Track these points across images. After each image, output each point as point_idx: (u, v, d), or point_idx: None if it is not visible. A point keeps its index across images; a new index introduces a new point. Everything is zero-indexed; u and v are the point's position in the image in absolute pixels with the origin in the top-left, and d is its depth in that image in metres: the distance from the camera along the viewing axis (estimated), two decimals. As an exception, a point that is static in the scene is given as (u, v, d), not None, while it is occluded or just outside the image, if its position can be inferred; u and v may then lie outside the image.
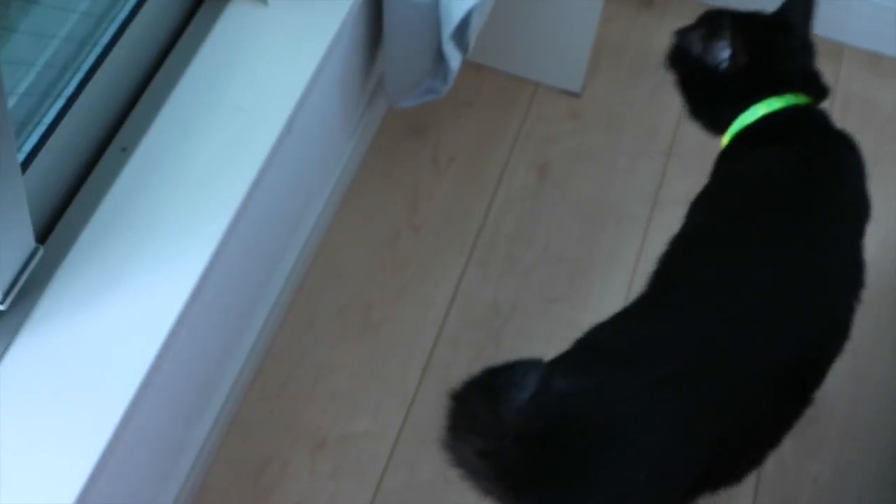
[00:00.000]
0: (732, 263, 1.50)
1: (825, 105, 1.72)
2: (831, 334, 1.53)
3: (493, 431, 1.32)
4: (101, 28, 1.41)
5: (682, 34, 1.77)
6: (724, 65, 1.69)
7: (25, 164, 1.27)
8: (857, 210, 1.63)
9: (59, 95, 1.34)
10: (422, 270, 2.05)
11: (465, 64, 2.01)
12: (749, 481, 1.89)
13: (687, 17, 2.47)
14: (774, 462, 1.91)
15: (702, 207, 1.64)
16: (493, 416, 1.31)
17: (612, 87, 2.37)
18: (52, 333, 1.26)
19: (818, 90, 1.70)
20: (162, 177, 1.39)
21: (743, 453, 1.49)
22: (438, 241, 2.10)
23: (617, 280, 2.09)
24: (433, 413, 1.90)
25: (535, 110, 2.31)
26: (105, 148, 1.40)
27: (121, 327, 1.28)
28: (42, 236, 1.32)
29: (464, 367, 1.93)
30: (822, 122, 1.69)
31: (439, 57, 1.89)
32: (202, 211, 1.38)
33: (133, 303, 1.30)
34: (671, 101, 2.33)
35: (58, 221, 1.34)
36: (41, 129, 1.31)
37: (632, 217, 2.18)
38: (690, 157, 2.17)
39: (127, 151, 1.40)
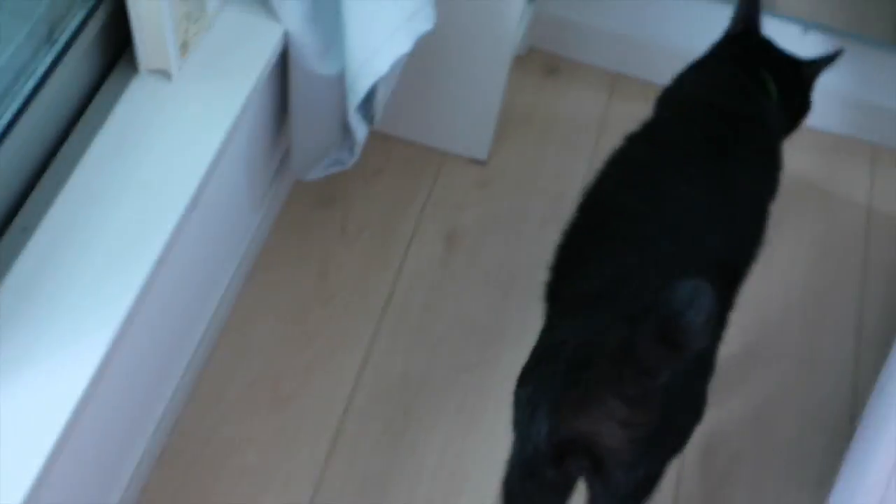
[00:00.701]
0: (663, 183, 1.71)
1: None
2: (748, 242, 1.72)
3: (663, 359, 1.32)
4: (3, 105, 1.39)
5: None
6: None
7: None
8: (767, 158, 1.85)
9: (-43, 176, 1.32)
10: (331, 343, 2.04)
11: (373, 134, 2.01)
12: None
13: (592, 85, 2.53)
14: (686, 528, 1.93)
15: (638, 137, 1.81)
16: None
17: (519, 154, 2.39)
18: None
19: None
20: (63, 258, 1.38)
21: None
22: (348, 312, 2.09)
23: (527, 347, 2.09)
24: (342, 487, 1.89)
25: (442, 179, 2.32)
26: (5, 229, 1.38)
27: (17, 417, 1.25)
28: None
29: (373, 440, 1.93)
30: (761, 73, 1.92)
31: (346, 129, 1.90)
32: (105, 292, 1.36)
33: (31, 390, 1.27)
34: (577, 168, 2.37)
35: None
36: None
37: (540, 284, 2.18)
38: (597, 224, 2.19)
39: (27, 232, 1.38)
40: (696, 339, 1.28)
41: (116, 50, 1.59)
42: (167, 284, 1.61)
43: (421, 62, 2.10)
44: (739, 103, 1.88)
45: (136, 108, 1.56)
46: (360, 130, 1.89)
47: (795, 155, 2.43)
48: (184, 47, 1.59)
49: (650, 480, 1.54)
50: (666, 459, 1.54)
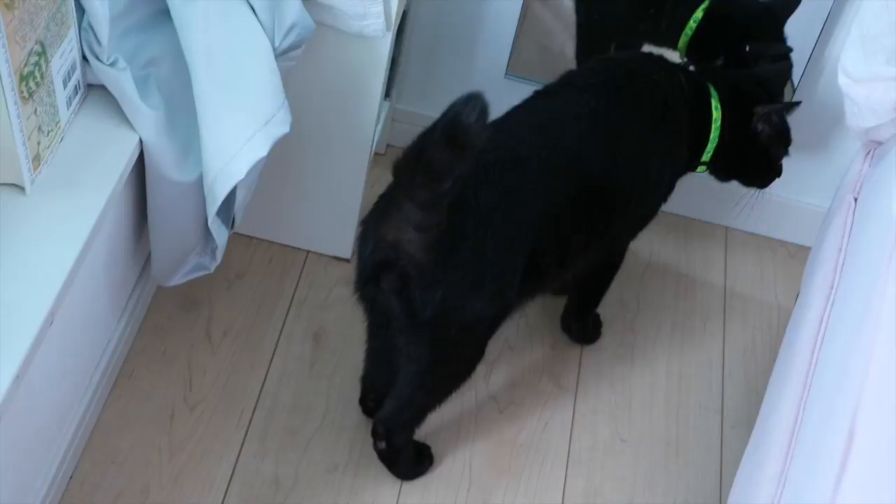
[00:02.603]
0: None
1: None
2: (621, 175, 1.94)
3: (441, 174, 1.59)
4: None
5: None
6: None
7: None
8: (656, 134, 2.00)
9: None
10: (199, 450, 2.01)
11: (235, 236, 2.01)
12: None
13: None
14: None
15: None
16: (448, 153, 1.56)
17: (383, 250, 2.40)
18: None
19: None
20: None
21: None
22: (215, 417, 2.07)
23: (397, 444, 2.09)
24: None
25: (307, 278, 2.32)
26: None
27: None
28: None
29: (246, 548, 1.90)
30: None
31: (206, 233, 1.89)
32: (-41, 413, 1.33)
33: None
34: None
35: None
36: None
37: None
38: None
39: None
40: (472, 133, 1.52)
41: (-33, 165, 1.57)
42: (25, 400, 1.58)
43: (280, 163, 2.12)
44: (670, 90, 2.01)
45: (-12, 223, 1.53)
46: (220, 235, 1.89)
47: (653, 239, 2.50)
48: (36, 160, 1.58)
49: (447, 324, 1.78)
50: (460, 295, 1.76)
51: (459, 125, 1.52)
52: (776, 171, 2.17)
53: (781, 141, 2.13)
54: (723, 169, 2.14)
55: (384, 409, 1.96)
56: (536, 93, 1.99)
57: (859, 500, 1.37)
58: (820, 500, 1.38)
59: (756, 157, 2.13)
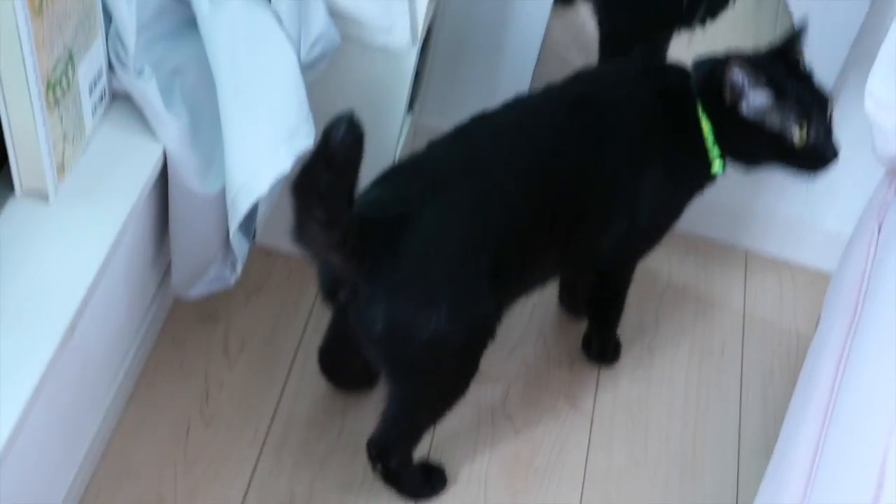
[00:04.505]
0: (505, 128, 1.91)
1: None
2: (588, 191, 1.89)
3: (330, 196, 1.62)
4: None
5: None
6: None
7: None
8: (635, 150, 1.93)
9: None
10: (215, 464, 2.00)
11: (254, 248, 2.00)
12: None
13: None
14: None
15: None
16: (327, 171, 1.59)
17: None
18: None
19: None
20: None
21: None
22: (231, 431, 2.05)
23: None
24: None
25: (325, 293, 2.31)
26: None
27: None
28: None
29: (260, 564, 1.88)
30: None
31: (227, 246, 1.89)
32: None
33: None
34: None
35: None
36: None
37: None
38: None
39: None
40: (344, 150, 1.56)
41: (-9, 171, 1.57)
42: (43, 411, 1.57)
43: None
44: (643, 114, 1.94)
45: (11, 231, 1.53)
46: (241, 248, 1.88)
47: (673, 260, 2.49)
48: (61, 168, 1.57)
49: (398, 336, 1.76)
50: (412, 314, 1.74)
51: (329, 145, 1.55)
52: (808, 151, 1.92)
53: (779, 109, 1.88)
54: (744, 158, 1.98)
55: (375, 430, 1.94)
56: (514, 100, 1.98)
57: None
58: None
59: (760, 133, 1.90)
